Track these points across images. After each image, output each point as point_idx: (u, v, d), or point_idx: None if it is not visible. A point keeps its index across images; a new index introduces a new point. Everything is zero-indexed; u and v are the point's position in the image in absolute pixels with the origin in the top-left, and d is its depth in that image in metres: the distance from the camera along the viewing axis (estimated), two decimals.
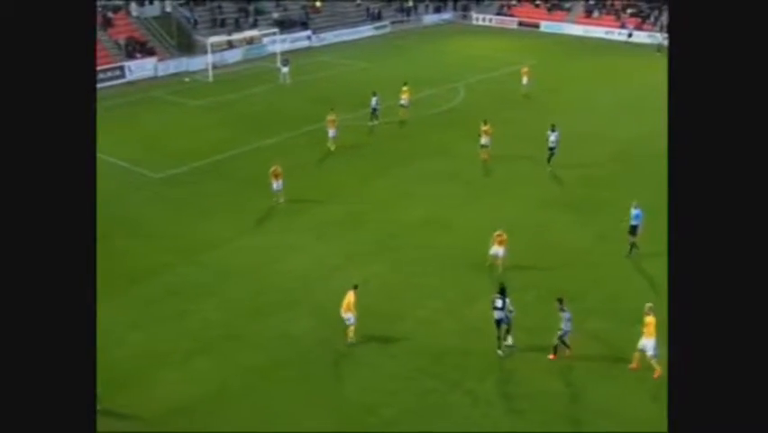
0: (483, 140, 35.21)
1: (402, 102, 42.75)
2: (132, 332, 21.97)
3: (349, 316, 21.35)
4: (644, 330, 19.77)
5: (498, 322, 21.17)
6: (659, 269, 25.06)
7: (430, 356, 20.79)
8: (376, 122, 41.44)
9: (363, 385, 19.63)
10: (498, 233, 25.16)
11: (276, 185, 30.77)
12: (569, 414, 18.61)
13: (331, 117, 37.49)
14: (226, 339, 21.67)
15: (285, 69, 52.94)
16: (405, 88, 42.97)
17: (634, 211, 26.00)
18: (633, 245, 26.09)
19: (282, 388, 19.54)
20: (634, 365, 20.09)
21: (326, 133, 37.64)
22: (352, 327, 21.39)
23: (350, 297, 21.44)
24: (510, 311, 20.86)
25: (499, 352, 21.09)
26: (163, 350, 21.10)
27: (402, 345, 21.41)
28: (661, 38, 65.49)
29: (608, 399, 19.08)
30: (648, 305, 19.96)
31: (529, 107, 46.04)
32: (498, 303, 20.93)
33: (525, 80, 48.40)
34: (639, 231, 25.90)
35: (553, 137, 33.88)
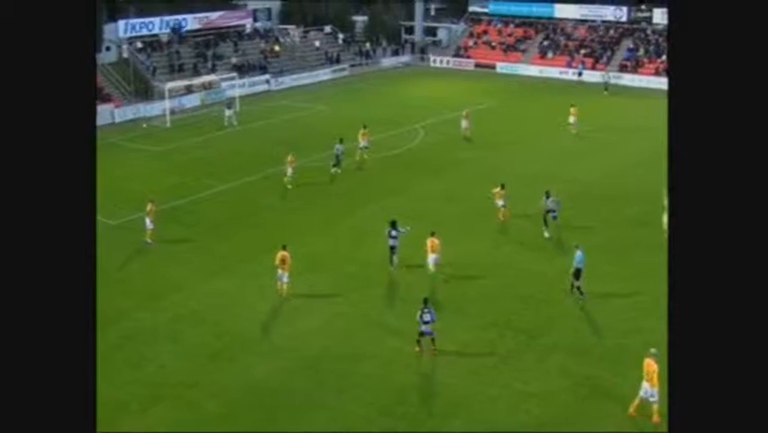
0: (499, 201, 33.06)
1: (362, 144, 42.63)
2: None
3: (284, 274, 25.65)
4: (647, 377, 18.81)
5: (393, 248, 28.25)
6: (619, 305, 25.38)
7: (393, 396, 20.53)
8: (338, 169, 40.97)
9: (325, 428, 19.22)
10: (432, 240, 27.70)
11: (149, 224, 31.07)
12: None
13: (290, 158, 38.38)
14: (185, 386, 21.19)
15: (229, 112, 53.01)
16: (364, 131, 42.91)
17: (576, 253, 25.62)
18: (578, 289, 25.64)
19: None
20: (632, 412, 19.24)
21: (285, 172, 38.59)
22: (286, 286, 25.73)
23: (284, 255, 25.68)
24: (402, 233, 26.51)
25: (391, 268, 28.22)
26: (120, 399, 20.50)
27: (363, 385, 21.12)
28: (608, 77, 67.15)
29: None
30: (652, 351, 19.06)
31: (486, 147, 46.43)
32: (394, 233, 27.77)
33: (464, 124, 48.45)
34: (582, 274, 25.43)
35: (549, 202, 31.32)
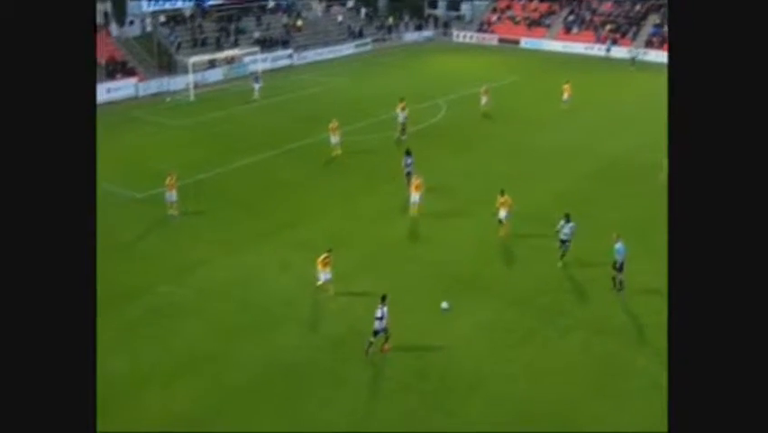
0: (501, 213, 29.17)
1: (400, 118, 42.84)
2: (115, 353, 21.66)
3: (326, 273, 24.42)
4: None
5: (408, 174, 32.85)
6: (640, 283, 25.20)
7: (414, 373, 20.64)
8: (404, 137, 42.06)
9: (345, 406, 19.41)
10: (416, 180, 31.40)
11: (170, 197, 31.53)
12: (553, 432, 18.48)
13: (333, 124, 39.30)
14: (209, 360, 21.43)
15: (257, 86, 53.40)
16: (402, 104, 43.00)
17: (616, 245, 24.77)
18: (620, 282, 24.82)
19: (265, 409, 19.29)
20: None
21: (328, 140, 39.51)
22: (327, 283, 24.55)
23: (325, 258, 24.54)
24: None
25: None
26: (145, 372, 20.82)
27: (386, 362, 21.28)
28: (635, 52, 66.46)
29: (596, 417, 18.93)
30: None
31: (510, 122, 46.23)
32: (409, 161, 30.91)
33: (484, 100, 48.03)
34: (624, 266, 24.57)
35: (567, 229, 26.60)
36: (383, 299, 21.48)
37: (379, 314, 21.31)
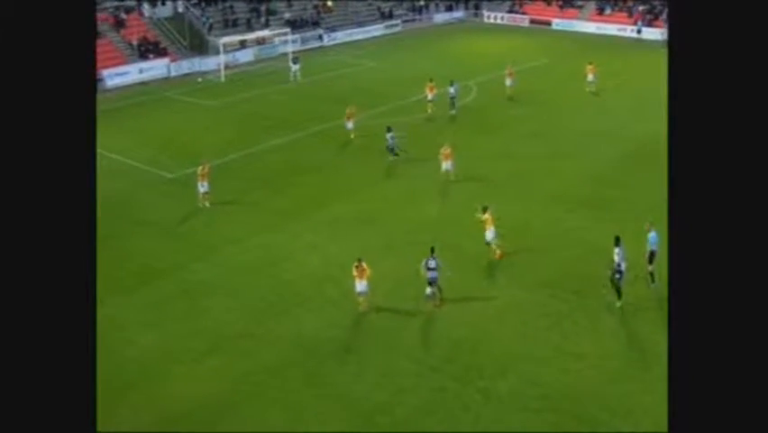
0: (488, 233, 25.91)
1: (429, 98, 43.27)
2: (144, 331, 22.02)
3: (362, 283, 22.60)
4: None
5: (391, 150, 35.09)
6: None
7: (443, 354, 20.69)
8: (454, 111, 43.17)
9: (374, 383, 19.53)
10: (444, 149, 32.71)
11: (202, 187, 30.70)
12: (583, 414, 18.36)
13: (350, 110, 39.40)
14: (238, 338, 21.67)
15: (295, 67, 53.52)
16: (431, 84, 43.41)
17: (650, 234, 23.60)
18: (650, 275, 23.64)
19: (293, 387, 19.47)
20: None
21: (345, 124, 39.63)
22: (364, 298, 22.81)
23: (362, 267, 22.61)
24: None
25: (391, 158, 35.07)
26: (175, 349, 21.10)
27: (414, 341, 21.35)
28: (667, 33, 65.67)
29: (623, 398, 18.88)
30: None
31: (540, 105, 45.84)
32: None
33: (508, 81, 47.60)
34: (656, 257, 23.30)
35: (616, 257, 22.77)
36: (432, 250, 22.80)
37: (432, 264, 22.53)
